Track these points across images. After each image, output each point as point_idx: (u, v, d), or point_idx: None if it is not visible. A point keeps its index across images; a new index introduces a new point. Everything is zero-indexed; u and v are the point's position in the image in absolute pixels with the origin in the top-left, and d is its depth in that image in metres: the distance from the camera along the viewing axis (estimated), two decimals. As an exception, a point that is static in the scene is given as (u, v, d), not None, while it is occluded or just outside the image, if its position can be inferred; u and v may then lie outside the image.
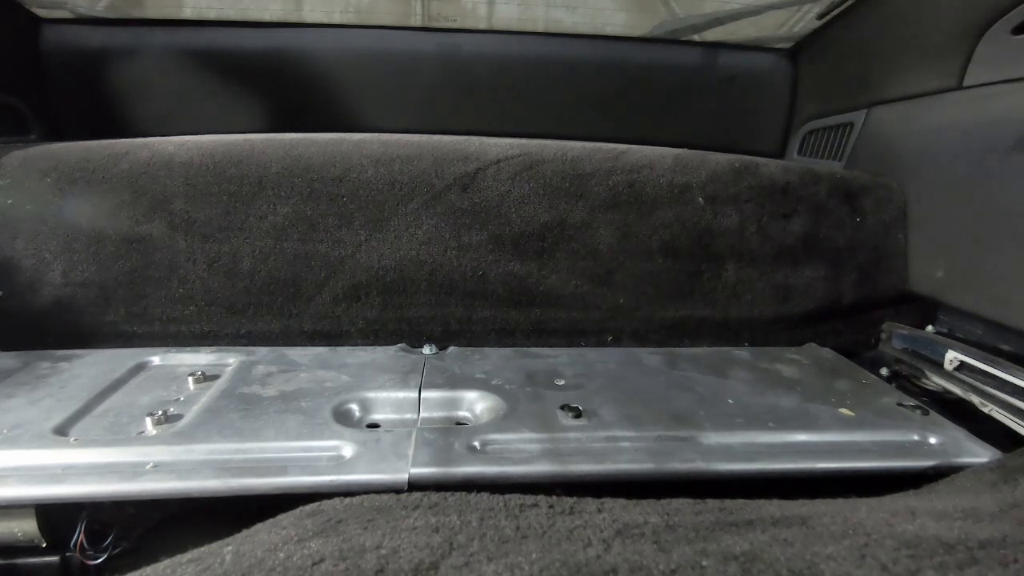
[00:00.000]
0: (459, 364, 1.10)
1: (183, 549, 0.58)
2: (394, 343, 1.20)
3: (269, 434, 0.83)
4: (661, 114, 1.97)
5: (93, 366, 1.04)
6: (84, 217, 1.15)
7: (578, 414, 0.91)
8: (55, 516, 0.76)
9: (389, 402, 0.97)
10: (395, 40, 1.82)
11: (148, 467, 0.76)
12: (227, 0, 1.70)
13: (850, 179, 1.37)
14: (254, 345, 1.18)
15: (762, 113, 1.97)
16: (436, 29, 1.82)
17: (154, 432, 0.84)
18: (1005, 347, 1.12)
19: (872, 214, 1.34)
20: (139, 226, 1.15)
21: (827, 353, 1.26)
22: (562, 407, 0.93)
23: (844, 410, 0.98)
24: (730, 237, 1.29)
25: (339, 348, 1.17)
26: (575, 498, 0.67)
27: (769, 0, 1.71)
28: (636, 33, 1.86)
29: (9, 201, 1.14)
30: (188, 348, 1.14)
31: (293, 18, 1.77)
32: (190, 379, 1.00)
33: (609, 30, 1.84)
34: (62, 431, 0.83)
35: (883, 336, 1.36)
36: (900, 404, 1.01)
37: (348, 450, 0.81)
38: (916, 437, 0.92)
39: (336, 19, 1.78)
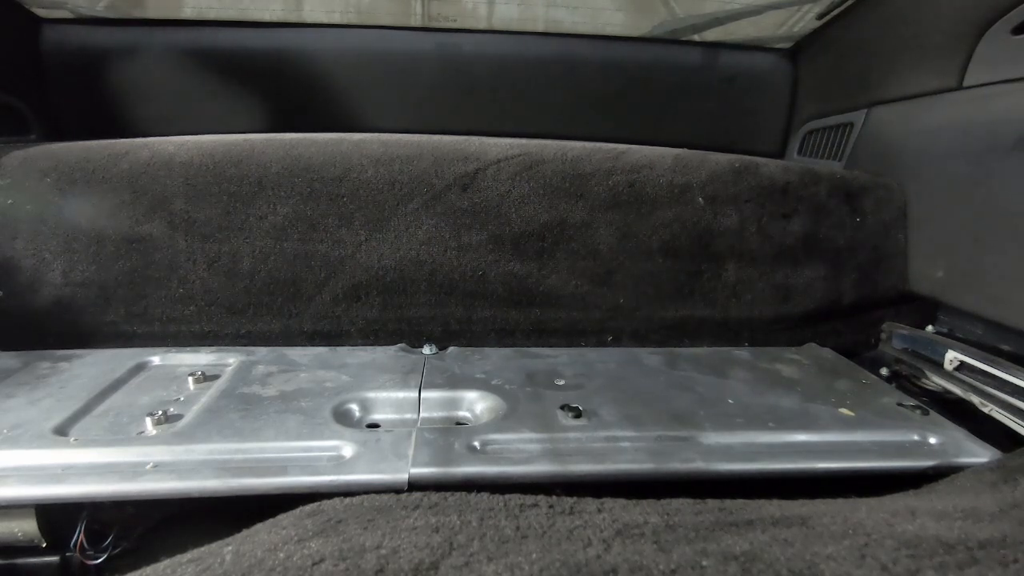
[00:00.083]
0: (459, 364, 1.10)
1: (183, 549, 0.58)
2: (394, 343, 1.20)
3: (269, 434, 0.83)
4: (661, 114, 1.97)
5: (93, 366, 1.04)
6: (84, 217, 1.15)
7: (578, 414, 0.91)
8: (55, 516, 0.76)
9: (389, 402, 0.97)
10: (395, 40, 1.82)
11: (148, 467, 0.76)
12: (227, 0, 1.70)
13: (850, 179, 1.37)
14: (254, 345, 1.18)
15: (762, 113, 1.97)
16: (436, 29, 1.82)
17: (154, 432, 0.84)
18: (1005, 347, 1.12)
19: (872, 214, 1.34)
20: (139, 226, 1.15)
21: (827, 353, 1.26)
22: (562, 407, 0.93)
23: (844, 410, 0.98)
24: (730, 237, 1.29)
25: (339, 348, 1.17)
26: (575, 498, 0.67)
27: (769, 0, 1.71)
28: (636, 33, 1.86)
29: (9, 201, 1.14)
30: (188, 348, 1.14)
31: (293, 18, 1.77)
32: (190, 379, 1.00)
33: (609, 30, 1.84)
34: (62, 431, 0.83)
35: (883, 336, 1.36)
36: (900, 404, 1.01)
37: (348, 450, 0.81)
38: (916, 437, 0.92)
39: (336, 19, 1.78)
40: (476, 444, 0.83)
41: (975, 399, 1.05)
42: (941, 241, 1.26)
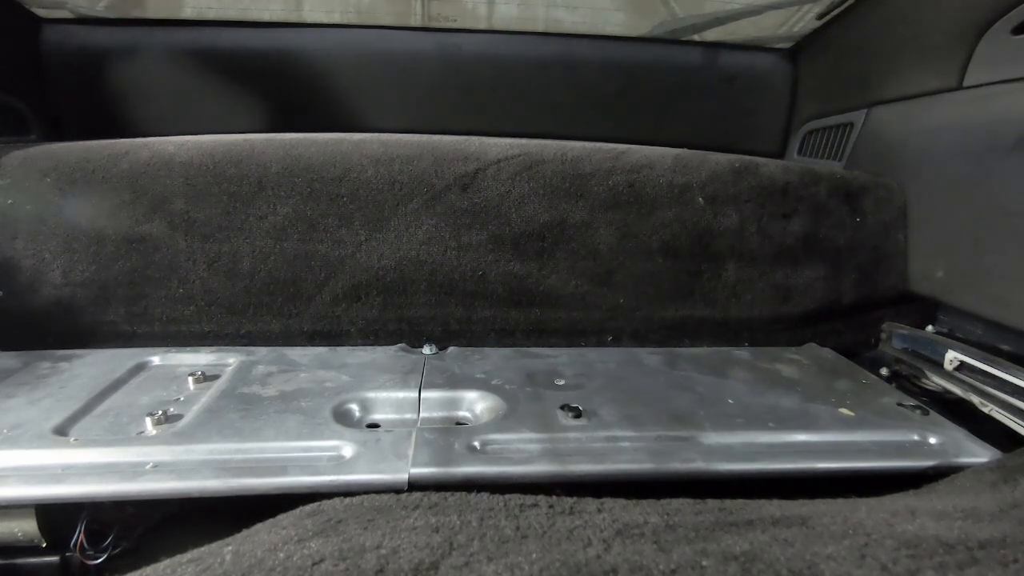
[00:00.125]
0: (459, 364, 1.10)
1: (183, 549, 0.58)
2: (394, 343, 1.20)
3: (269, 434, 0.83)
4: (661, 114, 1.97)
5: (93, 366, 1.04)
6: (84, 217, 1.15)
7: (578, 414, 0.91)
8: (55, 516, 0.75)
9: (389, 402, 0.97)
10: (395, 40, 1.82)
11: (148, 467, 0.76)
12: (227, 0, 1.70)
13: (850, 179, 1.37)
14: (254, 345, 1.18)
15: (762, 113, 1.97)
16: (436, 29, 1.82)
17: (154, 432, 0.84)
18: (1005, 347, 1.12)
19: (872, 214, 1.34)
20: (139, 226, 1.15)
21: (827, 353, 1.26)
22: (562, 407, 0.93)
23: (844, 410, 0.98)
24: (730, 237, 1.29)
25: (339, 348, 1.17)
26: (575, 498, 0.67)
27: (769, 0, 1.71)
28: (636, 33, 1.86)
29: (9, 201, 1.14)
30: (188, 348, 1.14)
31: (293, 18, 1.77)
32: (190, 379, 1.00)
33: (609, 30, 1.84)
34: (62, 431, 0.83)
35: (883, 336, 1.36)
36: (900, 404, 1.01)
37: (348, 450, 0.81)
38: (916, 437, 0.92)
39: (336, 19, 1.78)
40: (476, 444, 0.83)
41: (975, 399, 1.05)
42: (941, 241, 1.26)
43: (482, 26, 1.82)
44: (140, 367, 1.06)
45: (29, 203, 1.14)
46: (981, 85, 1.23)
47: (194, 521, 0.79)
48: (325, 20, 1.79)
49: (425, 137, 1.30)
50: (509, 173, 1.24)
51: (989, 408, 1.02)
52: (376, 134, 1.31)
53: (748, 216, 1.30)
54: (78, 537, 0.77)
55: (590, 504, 0.65)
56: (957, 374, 1.12)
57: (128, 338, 1.17)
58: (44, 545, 0.76)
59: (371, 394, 0.97)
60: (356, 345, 1.21)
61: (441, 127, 1.64)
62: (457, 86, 1.87)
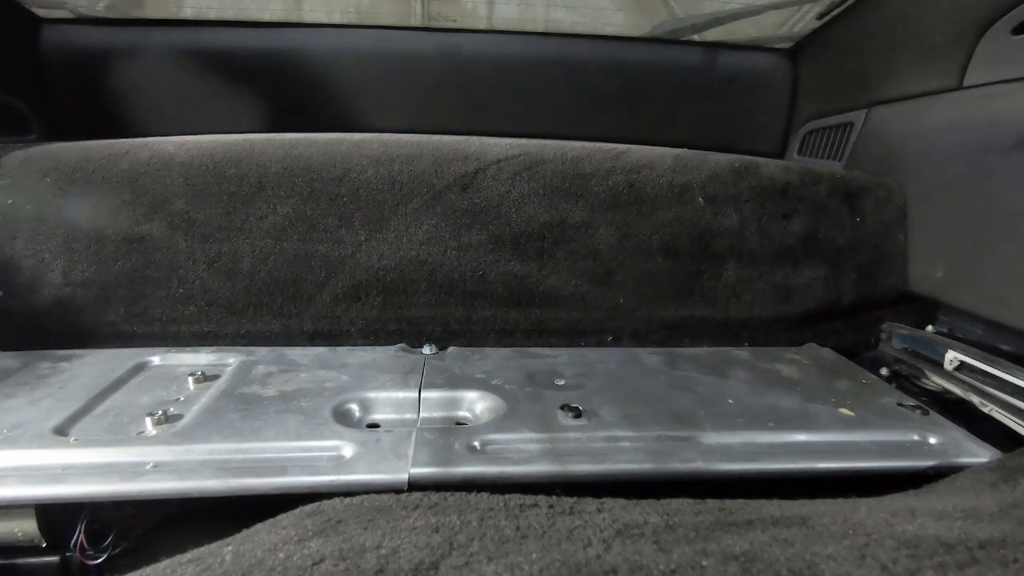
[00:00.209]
0: (459, 364, 1.10)
1: (183, 549, 0.58)
2: (394, 343, 1.20)
3: (269, 434, 0.83)
4: (661, 114, 1.97)
5: (93, 366, 1.04)
6: (84, 217, 1.15)
7: (578, 414, 0.91)
8: (55, 516, 0.76)
9: (389, 402, 0.97)
10: (395, 40, 1.82)
11: (148, 467, 0.76)
12: (227, 0, 1.70)
13: (850, 179, 1.37)
14: (254, 345, 1.18)
15: (762, 113, 1.97)
16: (436, 29, 1.82)
17: (154, 432, 0.84)
18: (1005, 347, 1.12)
19: (872, 214, 1.34)
20: (139, 226, 1.15)
21: (827, 353, 1.26)
22: (562, 407, 0.93)
23: (844, 410, 0.98)
24: (730, 237, 1.29)
25: (339, 348, 1.17)
26: (575, 498, 0.67)
27: (769, 0, 1.71)
28: (636, 33, 1.86)
29: (9, 201, 1.14)
30: (188, 348, 1.14)
31: (293, 18, 1.77)
32: (190, 379, 1.00)
33: (609, 30, 1.84)
34: (62, 431, 0.83)
35: (883, 336, 1.36)
36: (900, 404, 1.01)
37: (348, 450, 0.81)
38: (916, 437, 0.92)
39: (336, 19, 1.78)
40: (476, 444, 0.83)
41: (975, 399, 1.05)
42: (941, 241, 1.26)
43: (482, 26, 1.82)
44: (140, 367, 1.06)
45: (29, 203, 1.14)
46: (981, 85, 1.23)
47: (194, 521, 0.79)
48: (325, 20, 1.79)
49: (425, 137, 1.30)
50: (509, 173, 1.24)
51: (989, 408, 1.02)
52: (376, 134, 1.31)
53: (748, 216, 1.30)
54: (78, 537, 0.77)
55: (590, 504, 0.65)
56: (957, 374, 1.12)
57: (128, 338, 1.17)
58: (44, 545, 0.76)
59: (371, 394, 0.97)
60: (356, 345, 1.21)
61: (441, 127, 1.64)
62: (457, 86, 1.87)
